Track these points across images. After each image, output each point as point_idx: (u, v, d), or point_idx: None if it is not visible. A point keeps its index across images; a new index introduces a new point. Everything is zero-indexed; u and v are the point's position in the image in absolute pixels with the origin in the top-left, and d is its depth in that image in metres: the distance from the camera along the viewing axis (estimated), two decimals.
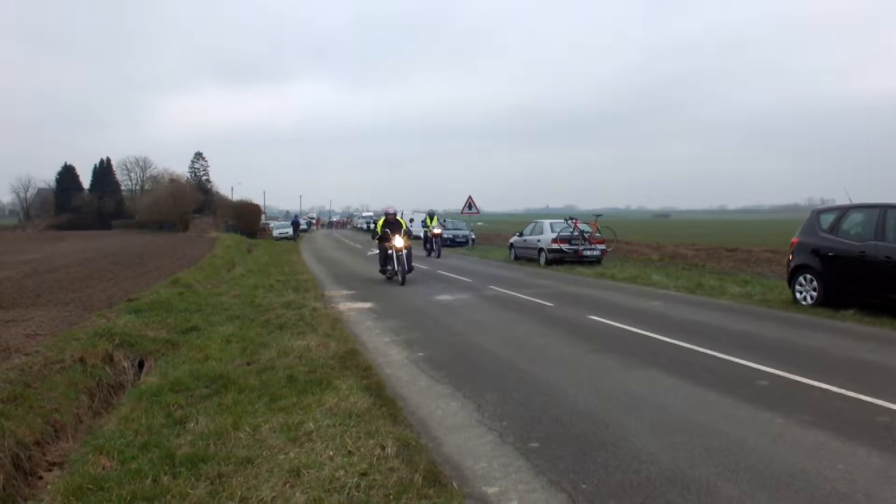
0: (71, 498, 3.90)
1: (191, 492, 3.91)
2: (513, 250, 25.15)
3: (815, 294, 11.48)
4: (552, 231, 22.17)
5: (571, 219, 23.05)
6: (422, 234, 29.98)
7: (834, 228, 11.36)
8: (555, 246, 21.60)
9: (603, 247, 22.63)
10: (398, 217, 18.34)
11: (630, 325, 9.64)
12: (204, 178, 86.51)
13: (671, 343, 8.35)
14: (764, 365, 7.02)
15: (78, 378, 6.54)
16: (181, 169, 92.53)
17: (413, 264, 17.38)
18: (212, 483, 4.05)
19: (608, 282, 16.75)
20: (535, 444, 4.83)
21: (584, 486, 4.07)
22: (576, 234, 21.91)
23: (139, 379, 7.47)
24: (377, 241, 18.60)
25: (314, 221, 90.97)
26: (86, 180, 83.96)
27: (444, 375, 6.99)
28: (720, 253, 26.13)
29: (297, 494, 3.82)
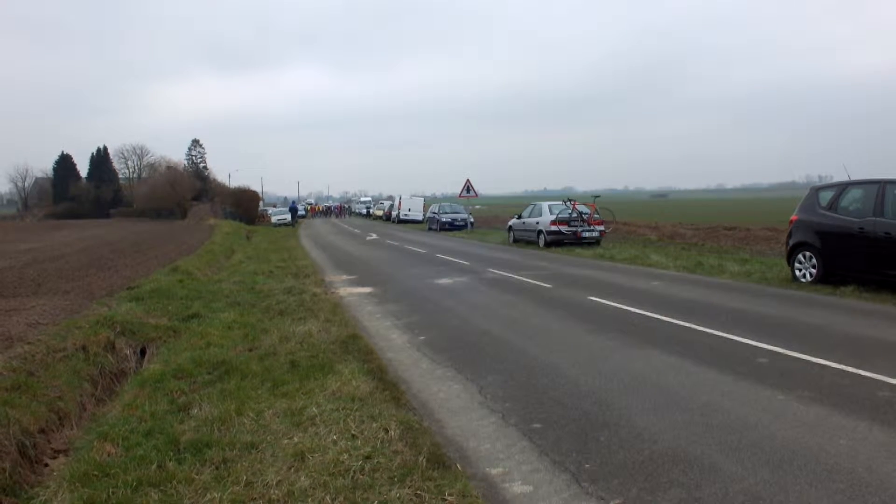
0: (77, 484, 3.92)
1: (196, 477, 3.94)
2: (511, 233, 25.12)
3: (814, 271, 11.49)
4: (550, 213, 22.13)
5: (570, 200, 23.03)
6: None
7: (833, 205, 11.35)
8: (553, 228, 21.58)
9: (601, 228, 22.63)
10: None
11: (630, 306, 9.66)
12: (201, 165, 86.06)
13: (671, 322, 8.37)
14: (764, 342, 7.04)
15: (80, 366, 6.55)
16: (178, 156, 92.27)
17: (410, 248, 17.15)
18: (217, 468, 4.07)
19: (607, 263, 16.75)
20: (537, 425, 4.85)
21: (587, 466, 4.09)
22: (574, 215, 21.88)
23: (141, 366, 7.50)
24: None
25: (310, 207, 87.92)
26: (83, 169, 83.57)
27: (445, 358, 7.01)
28: (719, 232, 26.13)
29: (302, 478, 3.84)
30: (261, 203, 71.32)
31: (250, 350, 7.22)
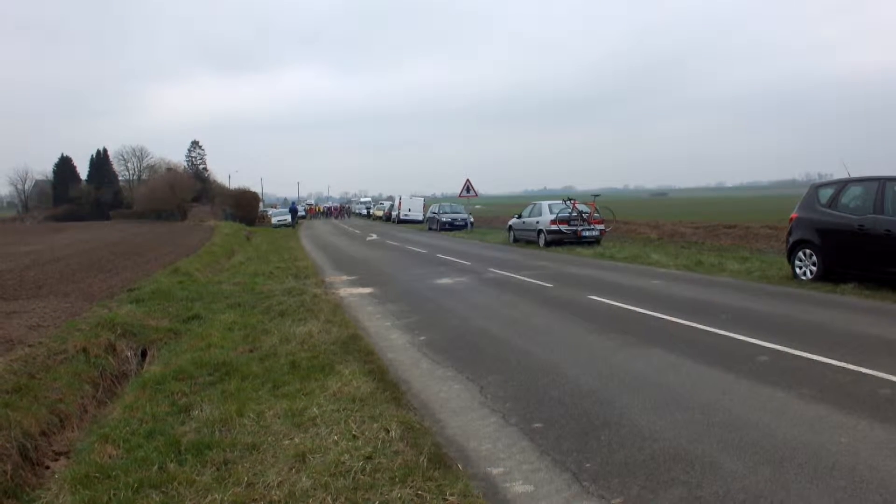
0: (78, 486, 3.92)
1: (197, 478, 3.94)
2: (512, 232, 25.12)
3: (814, 269, 11.48)
4: (551, 212, 22.13)
5: (570, 200, 23.03)
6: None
7: (833, 203, 11.34)
8: (553, 227, 21.57)
9: (602, 227, 22.63)
10: None
11: (630, 305, 9.66)
12: (201, 166, 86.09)
13: (671, 321, 8.37)
14: (764, 340, 7.03)
15: (81, 368, 6.56)
16: (178, 158, 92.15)
17: (410, 248, 17.19)
18: (218, 469, 4.07)
19: (608, 262, 16.75)
20: (538, 425, 4.85)
21: (588, 465, 4.09)
22: (574, 214, 21.88)
23: (142, 368, 7.50)
24: None
25: (309, 208, 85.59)
26: (83, 171, 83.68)
27: (445, 358, 7.01)
28: (719, 230, 26.12)
29: (304, 479, 3.84)
30: (261, 204, 71.26)
31: (251, 351, 7.22)
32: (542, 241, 22.13)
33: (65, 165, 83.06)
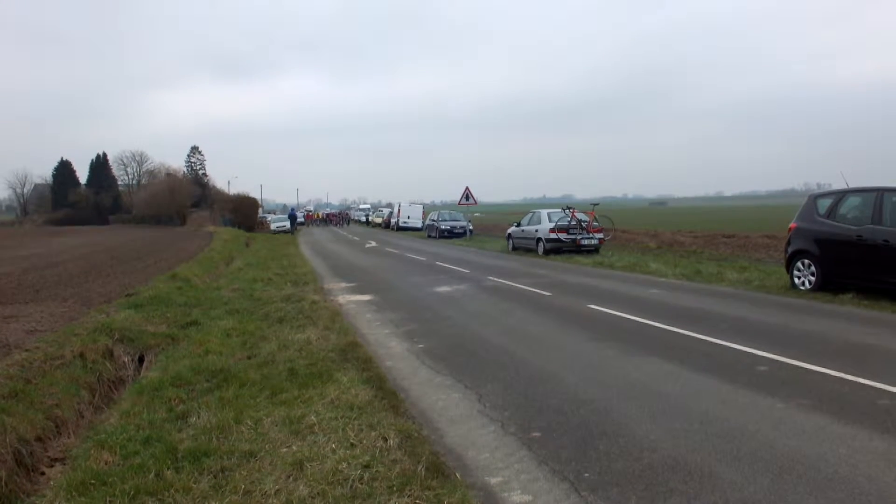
0: (74, 493, 3.90)
1: (194, 486, 3.92)
2: (511, 241, 25.11)
3: (813, 279, 11.49)
4: (550, 221, 22.15)
5: (569, 208, 23.04)
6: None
7: (831, 213, 11.37)
8: (553, 235, 21.59)
9: (601, 235, 22.63)
10: None
11: (629, 314, 9.65)
12: (200, 172, 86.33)
13: (670, 330, 8.36)
14: (763, 350, 7.03)
15: (78, 373, 6.53)
16: (177, 163, 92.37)
17: (409, 255, 17.18)
18: (215, 477, 4.06)
19: (606, 270, 16.75)
20: (536, 434, 4.84)
21: (586, 475, 4.08)
22: (573, 223, 21.89)
23: (140, 374, 7.48)
24: None
25: (307, 214, 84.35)
26: (82, 176, 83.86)
27: (444, 367, 7.00)
28: (718, 239, 26.12)
29: (301, 487, 3.83)
30: (260, 210, 71.30)
31: (249, 358, 7.21)
32: (541, 250, 22.14)
33: (64, 169, 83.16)
